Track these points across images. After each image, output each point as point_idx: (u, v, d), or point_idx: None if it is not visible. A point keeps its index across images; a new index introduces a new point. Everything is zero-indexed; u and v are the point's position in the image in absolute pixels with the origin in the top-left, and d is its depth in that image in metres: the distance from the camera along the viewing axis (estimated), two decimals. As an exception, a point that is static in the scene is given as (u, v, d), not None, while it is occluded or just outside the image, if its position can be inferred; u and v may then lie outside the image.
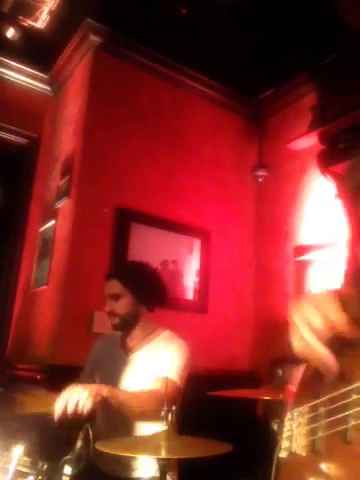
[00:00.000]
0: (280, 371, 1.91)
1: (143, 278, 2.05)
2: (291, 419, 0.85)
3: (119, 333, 2.07)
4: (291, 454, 0.82)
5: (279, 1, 2.88)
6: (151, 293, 2.02)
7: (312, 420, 0.79)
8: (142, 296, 1.99)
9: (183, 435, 1.41)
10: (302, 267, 3.19)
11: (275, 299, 3.42)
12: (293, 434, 0.83)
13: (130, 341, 2.01)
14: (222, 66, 3.42)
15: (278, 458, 0.85)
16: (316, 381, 0.79)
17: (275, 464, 0.89)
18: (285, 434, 0.85)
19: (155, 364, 1.85)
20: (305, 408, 0.82)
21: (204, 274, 3.39)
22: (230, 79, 3.60)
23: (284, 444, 0.84)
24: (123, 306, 1.96)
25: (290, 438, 0.83)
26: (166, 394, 1.48)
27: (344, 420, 0.71)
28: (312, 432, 0.78)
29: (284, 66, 3.29)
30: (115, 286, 1.97)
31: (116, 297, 1.96)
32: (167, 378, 1.68)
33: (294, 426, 0.83)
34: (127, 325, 1.98)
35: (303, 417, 0.82)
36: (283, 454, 0.84)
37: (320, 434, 0.76)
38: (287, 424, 0.85)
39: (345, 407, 0.71)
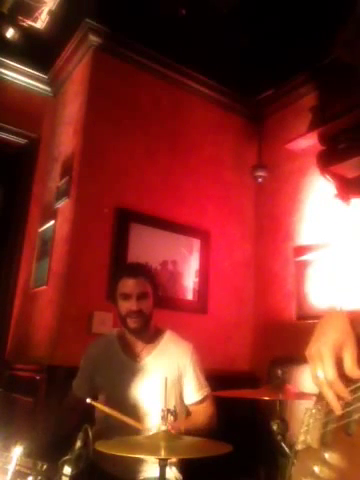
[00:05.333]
0: (280, 371, 1.91)
1: (156, 279, 2.06)
2: (310, 415, 0.90)
3: (114, 337, 2.02)
4: (306, 447, 0.88)
5: (279, 1, 2.88)
6: (159, 294, 2.04)
7: (326, 415, 0.86)
8: (158, 297, 1.99)
9: (183, 435, 1.41)
10: (302, 267, 3.19)
11: (275, 299, 3.42)
12: (309, 429, 0.89)
13: (136, 345, 1.96)
14: (222, 66, 3.42)
15: (295, 451, 0.92)
16: None
17: (292, 456, 0.95)
18: (303, 429, 0.91)
19: (168, 370, 1.83)
20: (323, 404, 0.87)
21: (204, 274, 3.38)
22: (230, 79, 3.60)
23: (301, 438, 0.90)
24: (150, 305, 1.93)
25: (306, 432, 0.89)
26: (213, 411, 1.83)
27: (349, 414, 0.77)
28: (324, 426, 0.85)
29: (284, 66, 3.29)
30: (144, 284, 1.92)
31: (145, 296, 1.90)
32: (206, 396, 1.91)
33: (311, 421, 0.89)
34: (146, 327, 1.94)
35: (319, 413, 0.88)
36: (299, 447, 0.90)
37: (329, 427, 0.83)
38: (306, 420, 0.91)
39: (352, 402, 0.78)
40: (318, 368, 0.81)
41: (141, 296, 1.90)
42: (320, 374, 0.80)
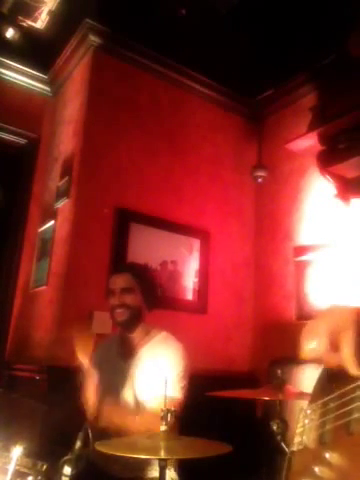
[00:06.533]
0: (279, 371, 1.91)
1: (149, 277, 2.09)
2: (305, 416, 0.89)
3: (116, 337, 2.05)
4: (302, 448, 0.86)
5: (279, 1, 2.88)
6: (154, 293, 2.05)
7: (322, 415, 0.84)
8: (148, 295, 2.00)
9: (183, 435, 1.41)
10: (302, 267, 3.19)
11: (274, 299, 3.42)
12: (305, 429, 0.87)
13: (129, 345, 1.97)
14: (222, 66, 3.43)
15: (291, 452, 0.90)
16: (332, 380, 0.83)
17: (287, 458, 0.94)
18: (298, 430, 0.89)
19: (154, 368, 1.83)
20: (318, 404, 0.86)
21: (203, 274, 3.39)
22: (230, 79, 3.60)
23: (296, 439, 0.88)
24: (136, 300, 1.96)
25: (302, 433, 0.88)
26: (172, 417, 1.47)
27: (349, 413, 0.75)
28: (321, 426, 0.83)
29: (284, 66, 3.29)
30: (127, 279, 1.97)
31: (128, 290, 1.95)
32: (167, 397, 1.66)
33: (306, 422, 0.87)
34: (133, 321, 1.95)
35: (315, 413, 0.86)
36: (295, 448, 0.88)
37: (327, 427, 0.81)
38: (301, 420, 0.89)
39: (351, 401, 0.76)
40: (309, 340, 0.77)
41: (124, 291, 1.95)
42: (312, 345, 0.76)
